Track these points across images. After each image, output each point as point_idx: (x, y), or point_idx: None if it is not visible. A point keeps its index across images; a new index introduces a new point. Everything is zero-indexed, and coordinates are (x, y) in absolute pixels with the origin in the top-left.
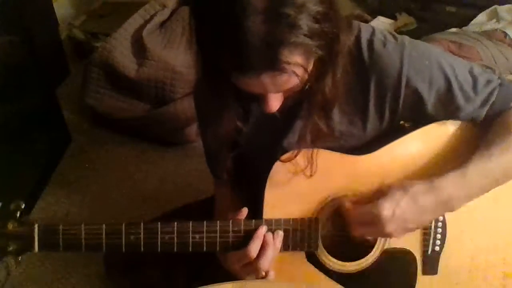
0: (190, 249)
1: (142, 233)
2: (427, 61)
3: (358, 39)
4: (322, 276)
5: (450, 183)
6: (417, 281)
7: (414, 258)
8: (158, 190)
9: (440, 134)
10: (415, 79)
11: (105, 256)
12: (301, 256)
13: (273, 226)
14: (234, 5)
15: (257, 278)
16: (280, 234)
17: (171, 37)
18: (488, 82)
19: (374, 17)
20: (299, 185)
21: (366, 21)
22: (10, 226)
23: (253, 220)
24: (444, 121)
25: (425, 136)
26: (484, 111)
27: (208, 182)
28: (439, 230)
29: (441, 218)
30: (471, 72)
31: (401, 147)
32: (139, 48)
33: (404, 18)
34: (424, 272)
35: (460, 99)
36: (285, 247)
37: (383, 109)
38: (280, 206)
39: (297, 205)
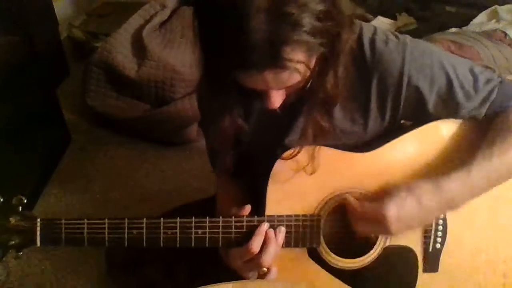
0: (193, 245)
1: (144, 228)
2: (429, 60)
3: (360, 37)
4: (323, 272)
5: (454, 184)
6: (417, 279)
7: (415, 256)
8: (158, 190)
9: (441, 132)
10: (417, 78)
11: (107, 254)
12: (302, 252)
13: (275, 223)
14: (237, 5)
15: (259, 274)
16: (282, 230)
17: (171, 37)
18: (489, 80)
19: (374, 17)
20: (301, 182)
21: (368, 21)
22: (12, 220)
23: (256, 217)
24: (445, 119)
25: (425, 135)
26: (484, 109)
27: (208, 182)
28: (440, 227)
29: (442, 215)
30: (471, 71)
31: (402, 145)
32: (139, 48)
33: (404, 18)
34: (425, 270)
35: (460, 97)
36: (287, 243)
37: (385, 107)
38: (282, 203)
39: (299, 202)
